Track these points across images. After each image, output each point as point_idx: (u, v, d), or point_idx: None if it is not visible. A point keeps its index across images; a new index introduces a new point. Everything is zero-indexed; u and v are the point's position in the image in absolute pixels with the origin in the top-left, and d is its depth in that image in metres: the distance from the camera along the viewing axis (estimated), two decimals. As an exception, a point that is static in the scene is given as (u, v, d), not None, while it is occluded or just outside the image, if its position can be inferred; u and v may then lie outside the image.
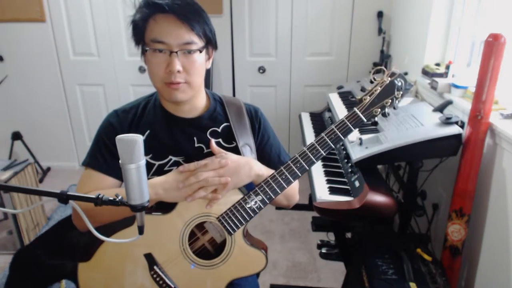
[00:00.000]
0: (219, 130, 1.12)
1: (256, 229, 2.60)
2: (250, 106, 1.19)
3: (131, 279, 1.03)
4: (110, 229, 0.98)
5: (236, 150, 1.09)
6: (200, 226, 1.06)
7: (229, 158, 0.98)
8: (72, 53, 3.18)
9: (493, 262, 1.39)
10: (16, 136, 3.22)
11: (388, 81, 0.98)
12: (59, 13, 3.05)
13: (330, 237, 2.02)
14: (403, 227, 1.65)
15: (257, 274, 1.33)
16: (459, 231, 1.45)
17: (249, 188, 1.01)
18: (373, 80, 1.02)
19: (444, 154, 1.47)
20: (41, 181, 3.29)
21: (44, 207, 2.69)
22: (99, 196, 0.76)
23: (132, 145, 0.71)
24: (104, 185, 1.05)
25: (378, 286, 1.28)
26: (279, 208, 2.57)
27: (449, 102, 1.60)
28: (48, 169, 3.48)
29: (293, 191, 1.17)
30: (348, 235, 1.95)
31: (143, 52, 1.03)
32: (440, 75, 1.87)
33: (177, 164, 1.07)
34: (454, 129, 1.38)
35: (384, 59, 2.80)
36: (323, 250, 2.01)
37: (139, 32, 1.00)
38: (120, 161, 0.73)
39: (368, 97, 0.98)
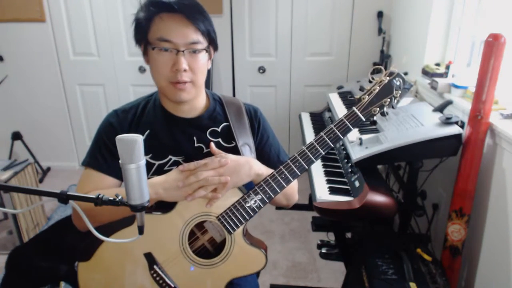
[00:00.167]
0: (219, 130, 1.12)
1: (256, 229, 2.60)
2: (249, 106, 1.19)
3: (131, 278, 1.03)
4: (110, 228, 0.98)
5: (236, 150, 1.09)
6: (200, 226, 1.06)
7: (229, 158, 0.98)
8: (72, 53, 3.18)
9: (493, 262, 1.39)
10: (16, 136, 3.22)
11: (386, 81, 0.98)
12: (59, 13, 3.05)
13: (330, 237, 2.02)
14: (403, 227, 1.65)
15: (257, 274, 1.33)
16: (459, 231, 1.45)
17: (248, 188, 1.01)
18: (371, 79, 1.02)
19: (444, 154, 1.47)
20: (41, 181, 3.29)
21: (44, 207, 2.69)
22: (99, 196, 0.76)
23: (132, 145, 0.71)
24: (104, 185, 1.05)
25: (378, 286, 1.28)
26: (279, 208, 2.57)
27: (449, 102, 1.60)
28: (48, 169, 3.48)
29: (293, 190, 1.18)
30: (348, 235, 1.95)
31: (146, 51, 1.03)
32: (440, 75, 1.87)
33: (176, 163, 1.07)
34: (454, 129, 1.38)
35: (384, 59, 2.81)
36: (323, 250, 2.01)
37: (143, 30, 1.00)
38: (120, 161, 0.73)
39: (367, 96, 0.98)
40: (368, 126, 1.74)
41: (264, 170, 1.03)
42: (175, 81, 1.00)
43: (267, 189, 0.98)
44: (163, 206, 1.00)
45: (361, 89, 2.24)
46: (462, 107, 1.57)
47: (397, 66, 2.14)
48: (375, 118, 0.99)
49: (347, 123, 0.97)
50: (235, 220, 0.99)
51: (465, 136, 1.40)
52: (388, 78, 0.98)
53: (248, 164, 1.00)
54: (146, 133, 1.08)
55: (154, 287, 1.02)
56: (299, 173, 0.99)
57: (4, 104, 3.31)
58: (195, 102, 1.10)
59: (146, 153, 1.05)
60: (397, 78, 0.98)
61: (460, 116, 1.52)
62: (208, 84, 2.90)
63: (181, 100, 1.04)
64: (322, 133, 0.98)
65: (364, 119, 0.98)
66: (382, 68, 1.04)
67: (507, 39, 1.28)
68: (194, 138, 1.10)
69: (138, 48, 1.07)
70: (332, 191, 1.53)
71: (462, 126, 1.42)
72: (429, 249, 1.50)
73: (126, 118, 1.09)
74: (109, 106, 3.32)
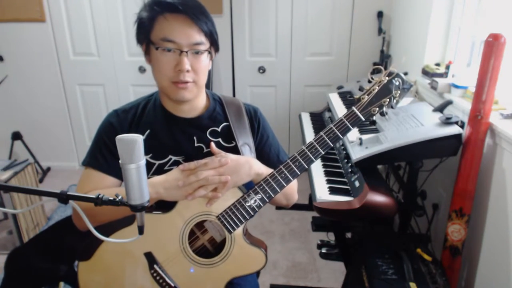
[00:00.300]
0: (219, 129, 1.13)
1: (256, 229, 2.60)
2: (249, 106, 1.20)
3: (131, 278, 1.03)
4: (110, 228, 0.98)
5: (236, 150, 1.09)
6: (200, 225, 1.06)
7: (229, 157, 0.98)
8: (72, 53, 3.18)
9: (493, 262, 1.39)
10: (16, 136, 3.22)
11: (385, 81, 0.98)
12: (59, 13, 3.05)
13: (330, 237, 2.02)
14: (403, 227, 1.65)
15: (257, 274, 1.33)
16: (459, 231, 1.45)
17: (248, 187, 1.01)
18: (371, 79, 1.02)
19: (444, 154, 1.47)
20: (41, 181, 3.29)
21: (44, 207, 2.69)
22: (99, 196, 0.76)
23: (132, 145, 0.71)
24: (104, 185, 1.05)
25: (378, 286, 1.28)
26: (279, 208, 2.57)
27: (449, 102, 1.60)
28: (48, 169, 3.48)
29: (292, 190, 1.18)
30: (348, 235, 1.95)
31: (148, 51, 1.03)
32: (440, 75, 1.87)
33: (177, 163, 1.07)
34: (454, 129, 1.38)
35: (384, 59, 2.80)
36: (323, 250, 2.00)
37: (146, 30, 1.00)
38: (120, 161, 0.73)
39: (366, 96, 0.99)
40: (368, 126, 1.74)
41: (264, 170, 1.04)
42: (177, 81, 1.00)
43: (267, 189, 0.98)
44: (164, 206, 1.00)
45: (361, 89, 2.24)
46: (462, 107, 1.57)
47: (396, 66, 2.14)
48: (374, 118, 0.99)
49: (347, 122, 0.98)
50: (235, 220, 0.99)
51: (465, 136, 1.40)
52: (387, 78, 0.98)
53: (248, 164, 1.00)
54: (147, 133, 1.08)
55: (154, 286, 1.02)
56: (299, 173, 0.99)
57: (4, 104, 3.31)
58: (195, 102, 1.10)
59: (146, 153, 1.06)
60: (396, 78, 0.98)
61: (460, 116, 1.52)
62: (208, 84, 2.89)
63: (183, 99, 1.04)
64: (321, 133, 0.98)
65: (363, 119, 0.98)
66: (382, 68, 1.04)
67: (507, 39, 1.28)
68: (194, 138, 1.10)
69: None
70: (332, 191, 1.53)
71: (462, 126, 1.42)
72: (429, 249, 1.50)
73: (127, 118, 1.09)
74: (109, 106, 3.32)
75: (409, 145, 1.39)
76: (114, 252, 1.02)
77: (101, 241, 1.00)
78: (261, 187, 0.99)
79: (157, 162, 1.08)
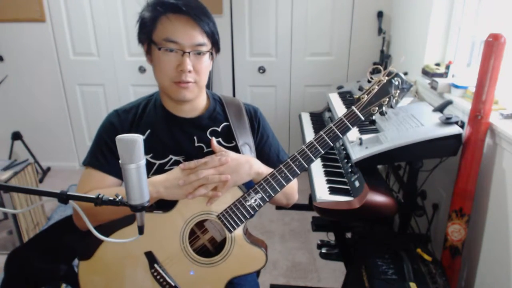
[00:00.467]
0: (219, 129, 1.13)
1: (256, 229, 2.60)
2: (249, 106, 1.20)
3: (131, 277, 1.03)
4: (111, 227, 0.99)
5: (236, 150, 1.09)
6: (200, 225, 1.06)
7: (229, 156, 0.99)
8: (72, 53, 3.18)
9: (493, 262, 1.39)
10: (16, 136, 3.22)
11: (385, 81, 0.98)
12: (59, 13, 3.05)
13: (330, 237, 2.02)
14: (403, 227, 1.65)
15: (257, 274, 1.34)
16: (459, 231, 1.45)
17: (248, 187, 1.01)
18: (370, 79, 1.02)
19: (444, 154, 1.47)
20: (41, 181, 3.29)
21: (44, 207, 2.69)
22: (99, 196, 0.76)
23: (132, 145, 0.71)
24: (104, 184, 1.05)
25: (378, 286, 1.28)
26: (279, 208, 2.57)
27: (449, 102, 1.60)
28: (48, 169, 3.48)
29: (292, 190, 1.18)
30: (348, 235, 1.95)
31: (149, 50, 1.03)
32: (440, 75, 1.87)
33: (177, 163, 1.07)
34: (454, 129, 1.38)
35: (384, 59, 2.81)
36: (323, 250, 2.01)
37: (148, 30, 1.01)
38: (120, 161, 0.73)
39: (366, 96, 0.99)
40: (368, 126, 1.74)
41: (264, 169, 1.04)
42: (178, 81, 1.00)
43: (267, 188, 0.99)
44: (164, 205, 1.00)
45: (361, 89, 2.24)
46: (462, 107, 1.57)
47: (396, 66, 2.14)
48: (374, 117, 1.00)
49: (347, 122, 0.98)
50: (236, 219, 0.99)
51: (465, 136, 1.40)
52: (386, 78, 0.98)
53: (249, 163, 1.00)
54: (147, 133, 1.09)
55: (155, 285, 1.02)
56: (299, 172, 0.99)
57: (4, 104, 3.31)
58: (196, 102, 1.11)
59: (147, 153, 1.06)
60: (395, 78, 0.99)
61: (460, 116, 1.52)
62: (208, 84, 2.89)
63: (184, 99, 1.04)
64: (321, 132, 0.99)
65: (363, 118, 0.98)
66: (381, 68, 1.05)
67: (507, 39, 1.28)
68: (195, 137, 1.10)
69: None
70: (332, 191, 1.53)
71: (462, 126, 1.42)
72: (429, 249, 1.50)
73: (127, 118, 1.10)
74: (109, 106, 3.32)
75: (409, 145, 1.39)
76: (115, 251, 1.02)
77: (102, 241, 1.00)
78: (261, 187, 0.99)
79: (158, 162, 1.08)
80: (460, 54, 1.99)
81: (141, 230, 0.81)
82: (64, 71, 3.23)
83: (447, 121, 1.42)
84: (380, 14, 2.86)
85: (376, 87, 0.99)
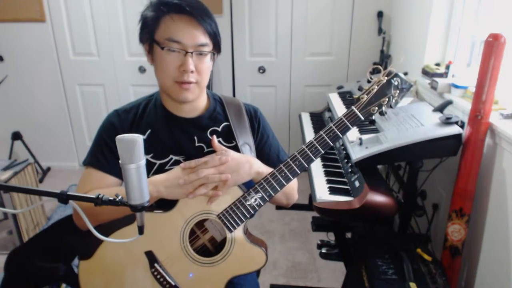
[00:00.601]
0: (219, 129, 1.13)
1: (256, 229, 2.60)
2: (249, 106, 1.20)
3: (131, 276, 1.03)
4: (111, 227, 0.99)
5: (236, 149, 1.09)
6: (200, 225, 1.06)
7: (230, 156, 0.99)
8: (72, 53, 3.18)
9: (493, 262, 1.39)
10: (16, 136, 3.22)
11: (384, 81, 0.98)
12: (59, 13, 3.05)
13: (330, 237, 2.02)
14: (403, 227, 1.65)
15: (257, 274, 1.34)
16: (459, 231, 1.45)
17: (248, 186, 1.01)
18: (370, 79, 1.02)
19: (444, 154, 1.47)
20: (41, 181, 3.29)
21: (44, 207, 2.69)
22: (99, 196, 0.76)
23: (132, 145, 0.71)
24: (104, 184, 1.05)
25: (378, 286, 1.28)
26: (279, 208, 2.57)
27: (449, 102, 1.60)
28: (48, 169, 3.48)
29: (292, 189, 1.18)
30: (348, 235, 1.95)
31: (151, 50, 1.03)
32: (440, 75, 1.87)
33: (177, 163, 1.07)
34: (454, 129, 1.38)
35: (384, 59, 2.81)
36: (323, 250, 2.01)
37: (150, 29, 1.00)
38: (120, 161, 0.73)
39: (365, 96, 0.99)
40: (368, 126, 1.74)
41: (264, 169, 1.04)
42: (180, 81, 1.00)
43: (267, 187, 0.99)
44: (164, 205, 1.00)
45: (360, 89, 2.25)
46: (462, 107, 1.57)
47: (396, 66, 2.14)
48: (374, 117, 1.00)
49: (346, 122, 0.98)
50: (236, 218, 0.99)
51: (465, 136, 1.40)
52: (386, 78, 0.99)
53: (249, 163, 1.01)
54: (147, 132, 1.09)
55: (155, 285, 1.02)
56: (299, 172, 0.99)
57: (4, 104, 3.31)
58: (196, 102, 1.11)
59: (147, 153, 1.06)
60: (395, 78, 0.99)
61: (460, 116, 1.52)
62: (208, 84, 2.89)
63: (185, 100, 1.04)
64: (321, 132, 0.99)
65: (363, 118, 0.98)
66: (381, 68, 1.05)
67: (507, 39, 1.28)
68: (195, 137, 1.10)
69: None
70: (332, 191, 1.53)
71: (462, 126, 1.42)
72: (429, 249, 1.50)
73: (127, 118, 1.10)
74: (109, 106, 3.32)
75: (409, 145, 1.39)
76: (115, 251, 1.02)
77: (102, 240, 1.00)
78: (262, 186, 0.99)
79: (158, 162, 1.08)
80: (460, 54, 1.99)
81: (141, 230, 0.81)
82: (64, 71, 3.24)
83: (447, 121, 1.42)
84: (380, 14, 2.86)
85: (376, 87, 0.99)
